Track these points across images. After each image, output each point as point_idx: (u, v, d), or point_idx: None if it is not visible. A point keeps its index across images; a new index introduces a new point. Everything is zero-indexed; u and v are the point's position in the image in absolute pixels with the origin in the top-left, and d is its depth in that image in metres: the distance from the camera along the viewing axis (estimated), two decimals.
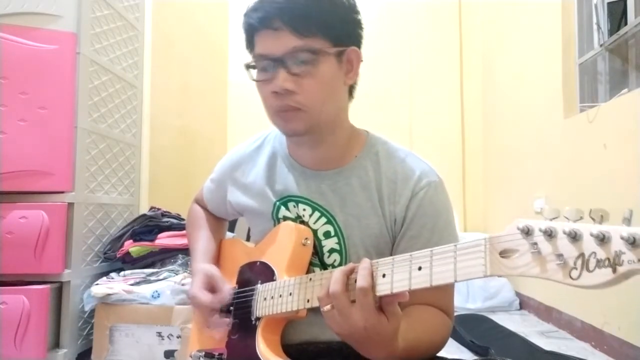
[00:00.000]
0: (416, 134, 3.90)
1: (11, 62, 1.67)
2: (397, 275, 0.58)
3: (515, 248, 0.47)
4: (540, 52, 2.69)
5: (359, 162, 0.82)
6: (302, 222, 0.82)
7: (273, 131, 0.92)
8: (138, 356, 1.70)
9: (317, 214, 0.81)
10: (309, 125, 0.75)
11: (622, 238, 0.40)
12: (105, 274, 1.86)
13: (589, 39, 2.40)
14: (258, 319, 0.77)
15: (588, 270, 0.42)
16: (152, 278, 1.81)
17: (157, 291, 1.69)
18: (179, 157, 2.95)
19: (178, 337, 1.69)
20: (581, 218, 0.44)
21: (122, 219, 2.09)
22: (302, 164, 0.84)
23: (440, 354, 0.75)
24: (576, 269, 0.42)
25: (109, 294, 1.69)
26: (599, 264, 0.41)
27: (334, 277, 0.61)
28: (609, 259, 0.41)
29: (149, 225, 1.99)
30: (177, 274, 1.81)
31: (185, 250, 1.89)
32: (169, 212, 2.10)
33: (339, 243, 0.80)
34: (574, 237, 0.43)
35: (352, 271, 0.62)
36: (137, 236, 1.95)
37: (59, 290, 1.73)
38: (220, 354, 0.80)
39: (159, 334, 1.70)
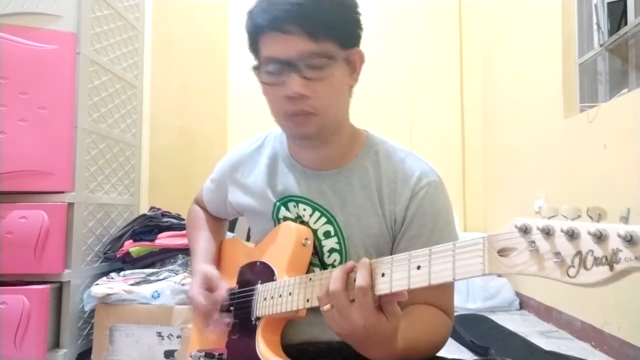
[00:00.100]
0: (416, 134, 3.90)
1: (11, 62, 1.67)
2: (396, 274, 0.58)
3: (513, 246, 0.48)
4: (540, 52, 2.69)
5: (359, 162, 0.82)
6: (302, 222, 0.82)
7: (273, 131, 0.92)
8: (138, 356, 1.70)
9: (317, 214, 0.81)
10: (320, 129, 0.75)
11: (619, 236, 0.40)
12: (105, 274, 1.86)
13: (589, 39, 2.40)
14: (258, 319, 0.77)
15: (585, 268, 0.42)
16: (152, 278, 1.81)
17: (157, 291, 1.69)
18: (179, 157, 2.95)
19: (178, 337, 1.69)
20: (579, 216, 0.44)
21: (122, 219, 2.09)
22: (303, 164, 0.84)
23: (440, 354, 0.75)
24: (574, 267, 0.43)
25: (109, 294, 1.69)
26: (597, 261, 0.41)
27: (334, 276, 0.62)
28: (606, 256, 0.41)
29: (149, 225, 1.99)
30: (177, 274, 1.81)
31: (185, 250, 1.90)
32: (169, 212, 2.10)
33: (338, 243, 0.80)
34: (572, 235, 0.43)
35: (351, 270, 0.62)
36: (137, 236, 1.95)
37: (59, 290, 1.73)
38: (221, 354, 0.81)
39: (159, 334, 1.70)
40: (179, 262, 1.90)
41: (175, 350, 1.69)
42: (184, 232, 1.89)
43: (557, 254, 0.44)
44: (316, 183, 0.83)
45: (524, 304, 2.83)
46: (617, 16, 2.25)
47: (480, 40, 3.74)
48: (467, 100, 3.97)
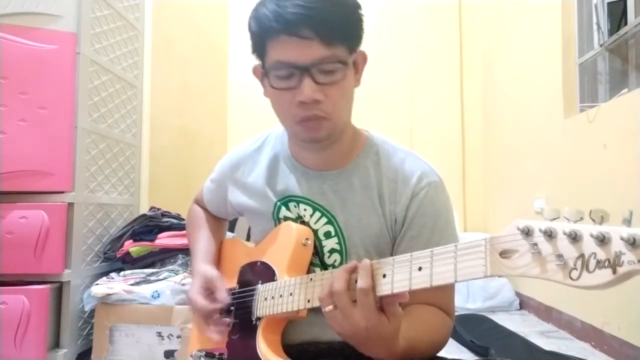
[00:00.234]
0: (416, 134, 3.90)
1: (11, 62, 1.67)
2: (398, 275, 0.58)
3: (515, 248, 0.47)
4: (540, 52, 2.69)
5: (360, 162, 0.82)
6: (303, 222, 0.82)
7: (273, 131, 0.92)
8: (138, 356, 1.70)
9: (317, 214, 0.81)
10: (331, 132, 0.76)
11: (622, 239, 0.40)
12: (105, 274, 1.86)
13: (589, 39, 2.40)
14: (259, 319, 0.77)
15: (588, 270, 0.42)
16: (152, 278, 1.81)
17: (157, 291, 1.69)
18: (179, 157, 2.95)
19: (178, 337, 1.69)
20: (581, 219, 0.44)
21: (122, 219, 2.09)
22: (305, 164, 0.84)
23: (440, 354, 0.75)
24: (576, 269, 0.42)
25: (109, 294, 1.69)
26: (599, 264, 0.41)
27: (336, 276, 0.62)
28: (609, 259, 0.41)
29: (149, 225, 1.99)
30: (177, 274, 1.81)
31: (185, 250, 1.89)
32: (169, 212, 2.10)
33: (339, 243, 0.80)
34: (574, 237, 0.43)
35: (353, 270, 0.62)
36: (137, 236, 1.95)
37: (59, 290, 1.73)
38: (221, 354, 0.81)
39: (159, 334, 1.70)
40: (179, 262, 1.90)
41: (175, 350, 1.69)
42: (184, 232, 1.89)
43: (560, 256, 0.44)
44: (317, 183, 0.82)
45: (524, 304, 2.83)
46: (617, 16, 2.25)
47: (480, 40, 3.74)
48: (467, 100, 3.97)
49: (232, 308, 0.82)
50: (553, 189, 2.51)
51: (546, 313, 2.54)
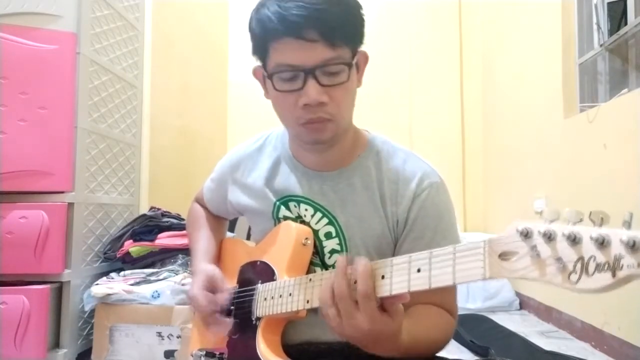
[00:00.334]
0: (416, 134, 3.90)
1: (11, 62, 1.67)
2: (396, 277, 0.58)
3: (514, 251, 0.47)
4: (540, 52, 2.69)
5: (361, 163, 0.82)
6: (303, 222, 0.82)
7: (274, 131, 0.92)
8: (138, 356, 1.70)
9: (318, 215, 0.81)
10: (335, 134, 0.75)
11: (621, 242, 0.39)
12: (105, 274, 1.86)
13: (589, 39, 2.40)
14: (258, 318, 0.77)
15: (587, 274, 0.41)
16: (152, 278, 1.81)
17: (157, 291, 1.69)
18: (179, 157, 2.95)
19: (178, 337, 1.69)
20: (581, 220, 0.43)
21: (122, 219, 2.09)
22: (306, 165, 0.84)
23: (440, 353, 0.75)
24: (575, 272, 0.42)
25: (109, 294, 1.69)
26: (599, 267, 0.40)
27: (336, 279, 0.61)
28: (608, 263, 0.40)
29: (149, 225, 1.99)
30: (177, 274, 1.81)
31: (185, 250, 1.89)
32: (169, 212, 2.10)
33: (340, 244, 0.80)
34: (574, 240, 0.42)
35: (347, 269, 0.61)
36: (137, 236, 1.95)
37: (59, 290, 1.73)
38: (221, 354, 0.81)
39: (159, 334, 1.70)
40: (179, 262, 1.90)
41: (175, 350, 1.69)
42: (184, 232, 1.89)
43: (559, 259, 0.43)
44: (318, 184, 0.82)
45: (524, 304, 2.83)
46: (617, 16, 2.25)
47: (480, 40, 3.74)
48: (467, 100, 3.97)
49: (232, 307, 0.82)
50: (553, 189, 2.51)
51: (546, 313, 2.54)
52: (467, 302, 2.79)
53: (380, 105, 3.78)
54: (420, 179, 0.79)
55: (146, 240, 1.92)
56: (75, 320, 1.76)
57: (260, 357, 0.72)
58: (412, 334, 0.64)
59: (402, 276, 0.57)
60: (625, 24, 2.15)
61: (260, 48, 0.73)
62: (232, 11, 4.07)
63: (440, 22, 4.05)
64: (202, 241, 0.96)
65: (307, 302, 0.68)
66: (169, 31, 2.81)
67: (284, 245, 0.79)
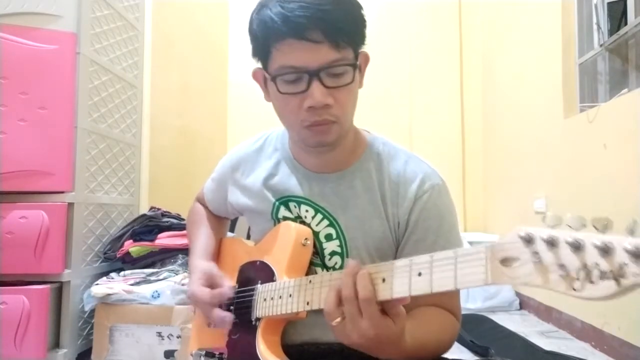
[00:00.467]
0: (416, 134, 3.90)
1: (11, 62, 1.67)
2: (397, 280, 0.57)
3: (516, 257, 0.46)
4: (540, 52, 2.69)
5: (362, 164, 0.82)
6: (303, 223, 0.82)
7: (274, 132, 0.92)
8: (138, 356, 1.70)
9: (319, 216, 0.81)
10: (339, 136, 0.75)
11: (625, 250, 0.38)
12: (105, 274, 1.86)
13: (589, 39, 2.40)
14: (258, 319, 0.77)
15: (591, 282, 0.40)
16: (152, 278, 1.81)
17: (157, 291, 1.69)
18: (179, 157, 2.95)
19: (178, 337, 1.69)
20: (584, 226, 0.42)
21: (122, 219, 2.09)
22: (306, 166, 0.84)
23: None
24: (579, 280, 0.41)
25: (109, 294, 1.69)
26: (602, 275, 0.40)
27: (344, 282, 0.60)
28: (612, 271, 0.39)
29: (149, 225, 1.99)
30: (177, 274, 1.81)
31: (185, 250, 1.89)
32: (169, 212, 2.10)
33: (340, 246, 0.80)
34: (577, 247, 0.41)
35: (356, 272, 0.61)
36: (137, 236, 1.95)
37: (59, 290, 1.73)
38: (221, 354, 0.81)
39: (159, 334, 1.70)
40: (179, 262, 1.90)
41: (175, 350, 1.69)
42: (184, 232, 1.89)
43: (562, 266, 0.42)
44: (319, 186, 0.82)
45: (524, 304, 2.83)
46: (617, 16, 2.25)
47: (480, 40, 3.74)
48: (467, 100, 3.97)
49: (231, 307, 0.82)
50: (553, 189, 2.51)
51: (546, 313, 2.54)
52: (467, 302, 2.79)
53: (380, 105, 3.78)
54: (422, 180, 0.79)
55: (146, 240, 1.93)
56: (75, 320, 1.76)
57: (260, 357, 0.72)
58: (415, 337, 0.64)
59: (403, 279, 0.57)
60: (625, 24, 2.15)
61: (262, 50, 0.72)
62: (232, 11, 4.07)
63: (440, 22, 4.04)
64: (201, 239, 0.96)
65: (307, 303, 0.68)
66: (169, 31, 2.81)
67: (283, 246, 0.79)
